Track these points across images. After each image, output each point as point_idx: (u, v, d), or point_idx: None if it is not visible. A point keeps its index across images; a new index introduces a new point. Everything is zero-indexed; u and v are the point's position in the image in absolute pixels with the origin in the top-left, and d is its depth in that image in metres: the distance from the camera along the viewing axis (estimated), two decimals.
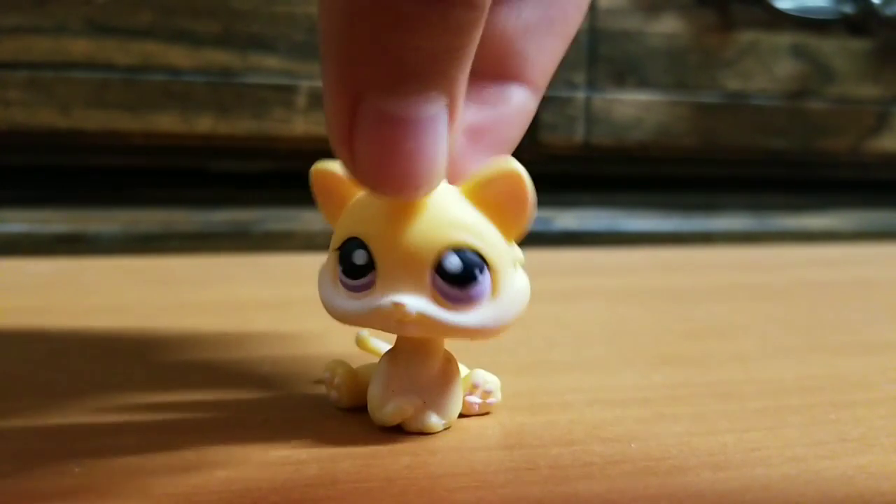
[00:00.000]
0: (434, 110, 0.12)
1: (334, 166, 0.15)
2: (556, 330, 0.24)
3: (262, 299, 0.28)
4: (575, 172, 0.42)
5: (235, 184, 0.38)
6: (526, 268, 0.15)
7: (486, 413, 0.17)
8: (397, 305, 0.13)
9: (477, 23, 0.12)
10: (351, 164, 0.13)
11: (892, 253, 0.42)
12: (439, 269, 0.13)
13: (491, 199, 0.14)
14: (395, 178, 0.13)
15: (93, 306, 0.26)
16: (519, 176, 0.13)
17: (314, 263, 0.17)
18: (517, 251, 0.15)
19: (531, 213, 0.14)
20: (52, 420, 0.16)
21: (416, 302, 0.13)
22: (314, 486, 0.13)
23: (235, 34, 0.35)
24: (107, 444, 0.15)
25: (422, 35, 0.11)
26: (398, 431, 0.15)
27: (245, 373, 0.19)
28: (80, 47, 0.34)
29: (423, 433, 0.15)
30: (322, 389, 0.18)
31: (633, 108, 0.40)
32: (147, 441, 0.15)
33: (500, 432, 0.16)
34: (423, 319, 0.13)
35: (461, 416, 0.16)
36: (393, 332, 0.14)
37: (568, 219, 0.41)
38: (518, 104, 0.16)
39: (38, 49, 0.33)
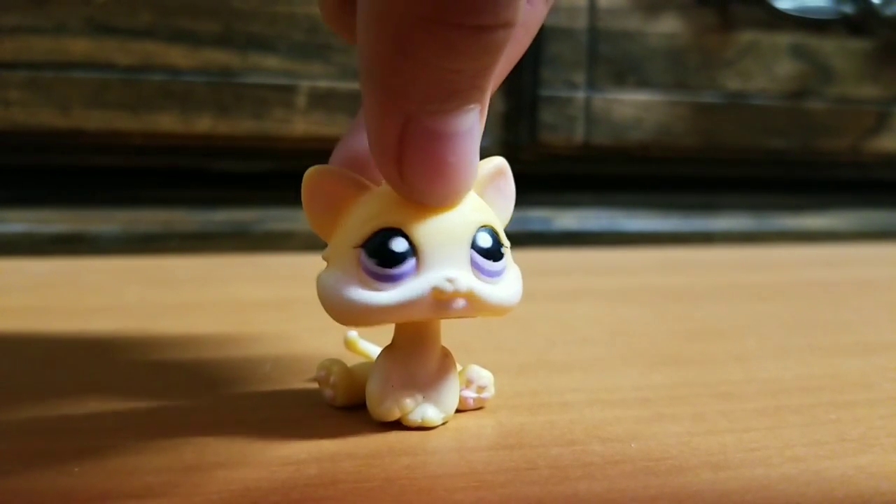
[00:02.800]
0: (471, 121, 0.13)
1: (335, 170, 0.15)
2: (556, 330, 0.24)
3: (262, 299, 0.28)
4: (575, 172, 0.42)
5: (235, 184, 0.38)
6: (522, 267, 0.16)
7: (481, 408, 0.17)
8: (451, 280, 0.14)
9: (510, 36, 0.13)
10: (399, 180, 0.14)
11: (891, 253, 0.42)
12: (475, 246, 0.14)
13: (481, 190, 0.15)
14: (443, 189, 0.14)
15: (92, 306, 0.26)
16: (506, 170, 0.16)
17: (314, 263, 0.17)
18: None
19: (513, 202, 0.16)
20: (52, 420, 0.16)
21: (466, 276, 0.14)
22: (314, 486, 0.13)
23: (235, 34, 0.35)
24: (106, 444, 0.15)
25: (467, 59, 0.12)
26: (398, 429, 0.15)
27: (245, 372, 0.19)
28: (80, 47, 0.34)
29: (423, 428, 0.15)
30: (322, 388, 0.18)
31: (633, 108, 0.40)
32: (146, 441, 0.15)
33: (500, 432, 0.16)
34: (471, 295, 0.14)
35: (457, 410, 0.16)
36: (434, 316, 0.14)
37: (568, 219, 0.41)
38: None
39: (38, 49, 0.33)
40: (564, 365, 0.20)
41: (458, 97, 0.13)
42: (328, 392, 0.17)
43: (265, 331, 0.23)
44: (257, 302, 0.27)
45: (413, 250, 0.14)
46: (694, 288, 0.32)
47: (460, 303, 0.14)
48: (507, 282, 0.15)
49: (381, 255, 0.14)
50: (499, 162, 0.16)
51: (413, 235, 0.14)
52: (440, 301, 0.14)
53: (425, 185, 0.14)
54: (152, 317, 0.25)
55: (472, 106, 0.13)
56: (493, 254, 0.15)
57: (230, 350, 0.21)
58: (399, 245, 0.14)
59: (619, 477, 0.14)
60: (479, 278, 0.14)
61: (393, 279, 0.14)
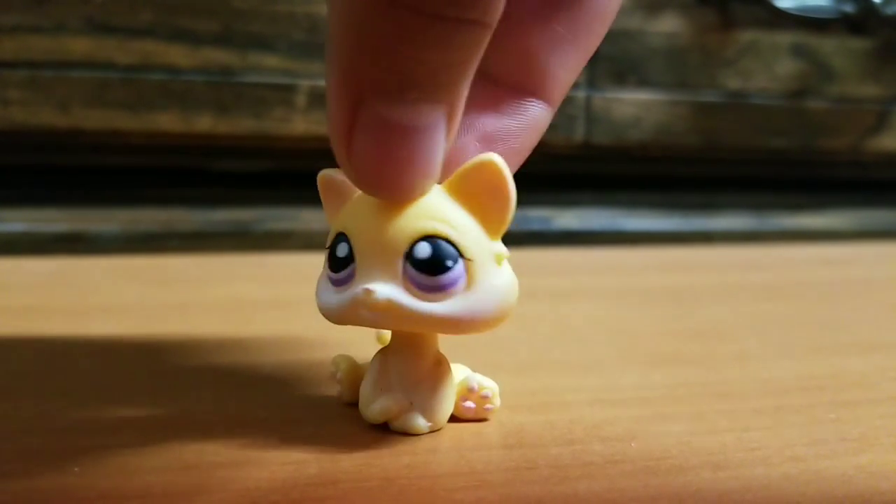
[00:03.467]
0: (432, 119, 0.13)
1: (339, 173, 0.15)
2: (555, 329, 0.24)
3: (262, 299, 0.28)
4: (575, 172, 0.42)
5: (235, 183, 0.38)
6: (515, 266, 0.15)
7: (483, 420, 0.16)
8: (367, 291, 0.13)
9: (483, 40, 0.12)
10: (347, 165, 0.13)
11: (892, 252, 0.42)
12: (410, 258, 0.13)
13: (471, 191, 0.14)
14: (390, 181, 0.13)
15: (93, 306, 0.26)
16: (496, 165, 0.14)
17: (314, 263, 0.17)
18: (500, 247, 0.14)
19: (512, 204, 0.14)
20: (52, 419, 0.16)
21: (386, 288, 0.13)
22: (314, 486, 0.13)
23: (235, 33, 0.35)
24: (106, 444, 0.15)
25: (428, 49, 0.12)
26: (397, 430, 0.15)
27: (245, 372, 0.19)
28: (79, 46, 0.34)
29: (408, 434, 0.15)
30: (322, 388, 0.18)
31: (633, 107, 0.40)
32: (146, 440, 0.15)
33: (500, 432, 0.16)
34: (392, 306, 0.13)
35: (457, 420, 0.16)
36: (367, 326, 0.14)
37: (568, 218, 0.41)
38: (534, 118, 0.16)
39: (37, 48, 0.33)
40: (564, 364, 0.20)
41: (418, 89, 0.12)
42: (338, 387, 0.17)
43: (265, 330, 0.23)
44: (257, 301, 0.27)
45: (353, 256, 0.14)
46: (694, 287, 0.32)
47: (379, 316, 0.13)
48: (461, 296, 0.14)
49: (330, 259, 0.14)
50: (486, 157, 0.14)
51: (353, 241, 0.14)
52: (363, 310, 0.13)
53: (372, 175, 0.13)
54: (152, 316, 0.25)
55: (433, 104, 0.12)
56: (433, 266, 0.13)
57: (230, 350, 0.21)
58: (342, 250, 0.14)
59: (619, 476, 0.14)
60: (411, 291, 0.14)
61: (339, 283, 0.14)
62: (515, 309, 0.14)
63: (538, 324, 0.24)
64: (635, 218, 0.43)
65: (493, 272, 0.14)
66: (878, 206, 0.47)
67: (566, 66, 0.16)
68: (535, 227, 0.41)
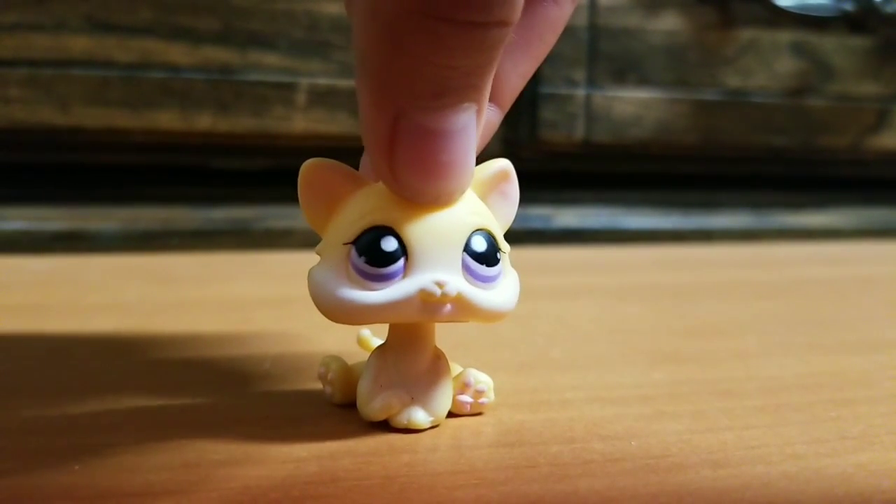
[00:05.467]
0: (466, 119, 0.13)
1: (331, 163, 0.15)
2: (555, 327, 0.24)
3: (262, 297, 0.28)
4: (575, 170, 0.42)
5: (235, 181, 0.38)
6: (515, 264, 0.16)
7: (479, 413, 0.16)
8: (440, 284, 0.14)
9: (507, 38, 0.12)
10: (391, 176, 0.13)
11: (892, 250, 0.42)
12: (468, 250, 0.14)
13: (485, 192, 0.15)
14: (435, 187, 0.14)
15: (92, 304, 0.26)
16: (510, 172, 0.15)
17: (314, 261, 0.17)
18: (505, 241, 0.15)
19: (516, 205, 0.16)
20: (52, 417, 0.16)
21: (455, 280, 0.14)
22: (314, 484, 0.13)
23: (235, 31, 0.35)
24: (106, 442, 0.15)
25: (460, 55, 0.12)
26: (396, 428, 0.15)
27: (245, 370, 0.19)
28: (79, 45, 0.34)
29: (410, 430, 0.15)
30: (321, 386, 0.18)
31: (634, 105, 0.40)
32: (146, 439, 0.15)
33: (500, 430, 0.16)
34: (460, 299, 0.14)
35: (452, 415, 0.16)
36: (422, 319, 0.14)
37: (568, 216, 0.41)
38: (485, 120, 0.16)
39: (37, 46, 0.33)
40: (564, 362, 0.20)
41: (452, 94, 0.13)
42: (327, 389, 0.17)
43: (265, 328, 0.23)
44: (257, 299, 0.27)
45: (403, 250, 0.14)
46: (694, 285, 0.32)
47: (448, 307, 0.14)
48: (501, 288, 0.15)
49: (371, 254, 0.14)
50: (503, 164, 0.15)
51: (404, 235, 0.14)
52: (427, 304, 0.14)
53: (416, 183, 0.13)
54: (152, 314, 0.25)
55: (466, 104, 0.13)
56: (488, 258, 0.14)
57: (230, 348, 0.21)
58: (389, 244, 0.14)
59: (619, 474, 0.14)
60: (470, 283, 0.14)
61: (382, 279, 0.14)
62: (508, 314, 0.15)
63: (538, 322, 0.24)
64: (635, 216, 0.43)
65: (509, 264, 0.15)
66: (877, 204, 0.47)
67: (517, 72, 0.16)
68: (536, 225, 0.41)
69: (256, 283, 0.31)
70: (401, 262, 0.14)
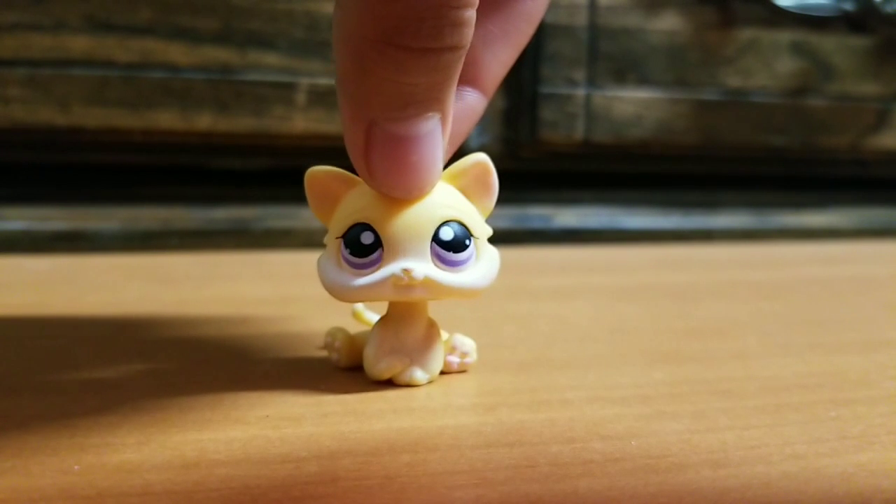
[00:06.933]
0: (431, 126, 0.15)
1: (328, 169, 0.17)
2: (556, 327, 0.24)
3: (262, 297, 0.28)
4: (575, 170, 0.42)
5: (235, 181, 0.38)
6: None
7: (464, 371, 0.19)
8: (406, 271, 0.16)
9: (462, 58, 0.14)
10: (368, 176, 0.16)
11: (892, 250, 0.42)
12: (437, 239, 0.16)
13: (466, 183, 0.17)
14: (406, 184, 0.16)
15: (92, 304, 0.26)
16: (485, 164, 0.17)
17: (314, 261, 0.17)
18: (487, 226, 0.18)
19: (496, 193, 0.18)
20: (52, 418, 0.16)
21: (421, 266, 0.16)
22: (314, 484, 0.13)
23: (235, 31, 0.35)
24: (106, 442, 0.15)
25: (418, 75, 0.14)
26: (398, 426, 0.15)
27: (245, 370, 0.19)
28: (79, 44, 0.34)
29: (411, 386, 0.18)
30: (322, 385, 0.18)
31: (634, 105, 0.40)
32: (146, 439, 0.15)
33: (500, 430, 0.16)
34: (428, 281, 0.16)
35: (442, 372, 0.19)
36: (400, 299, 0.17)
37: (568, 216, 0.41)
38: (470, 105, 0.19)
39: (37, 46, 0.33)
40: (564, 362, 0.20)
41: (416, 106, 0.15)
42: (334, 355, 0.19)
43: (265, 328, 0.23)
44: (257, 299, 0.27)
45: (380, 243, 0.16)
46: (694, 285, 0.32)
47: (418, 289, 0.16)
48: (474, 268, 0.17)
49: (354, 247, 0.16)
50: (480, 157, 0.17)
51: (380, 230, 0.16)
52: (398, 287, 0.16)
53: (389, 181, 0.16)
54: (152, 314, 0.25)
55: (430, 114, 0.15)
56: (455, 245, 0.17)
57: (230, 348, 0.21)
58: (367, 238, 0.16)
59: (620, 474, 0.14)
60: (441, 268, 0.16)
61: (363, 266, 0.16)
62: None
63: (538, 322, 0.24)
64: (635, 216, 0.43)
65: (487, 246, 0.18)
66: (878, 204, 0.47)
67: (498, 60, 0.18)
68: (536, 225, 0.41)
69: (256, 283, 0.31)
70: (377, 252, 0.16)
